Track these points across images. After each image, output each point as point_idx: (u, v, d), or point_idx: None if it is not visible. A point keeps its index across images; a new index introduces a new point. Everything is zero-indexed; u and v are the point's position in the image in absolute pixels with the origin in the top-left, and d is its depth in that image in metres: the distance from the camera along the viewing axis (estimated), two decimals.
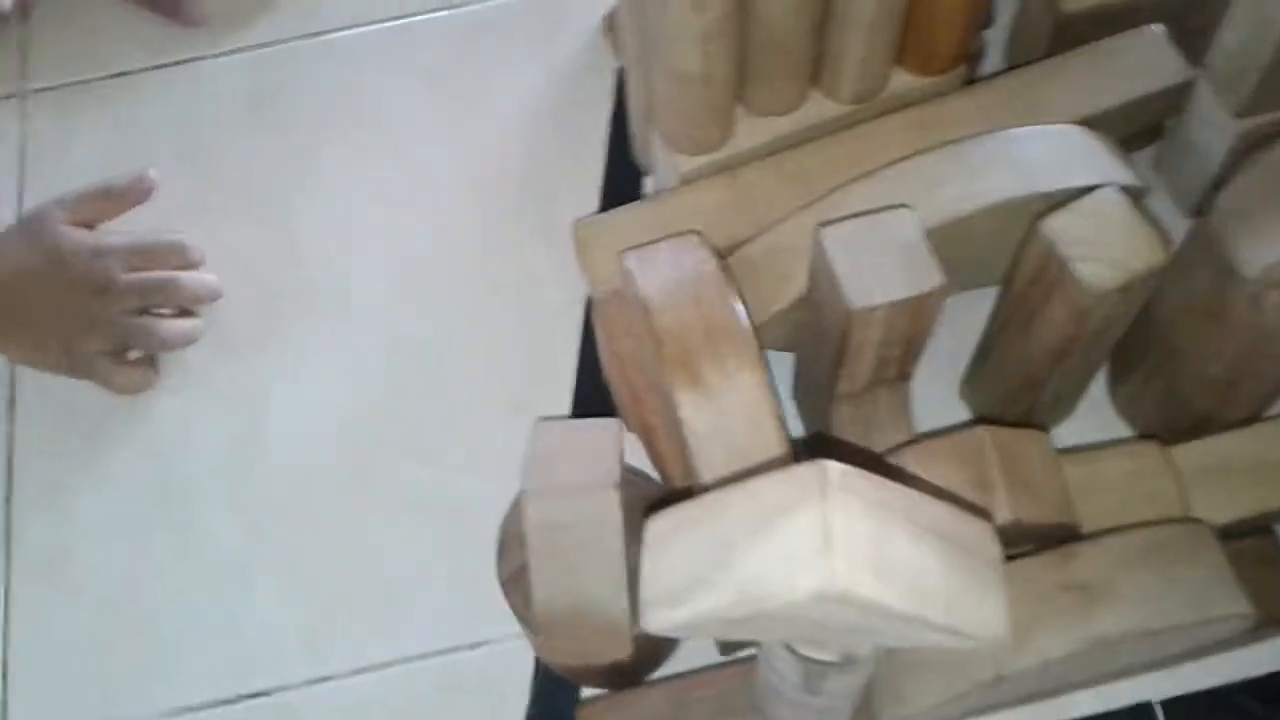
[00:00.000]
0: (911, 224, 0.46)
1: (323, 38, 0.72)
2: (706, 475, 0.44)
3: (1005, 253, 0.59)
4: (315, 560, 0.57)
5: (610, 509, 0.44)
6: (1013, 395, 0.53)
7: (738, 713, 0.48)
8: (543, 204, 0.66)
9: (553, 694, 0.53)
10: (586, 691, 0.52)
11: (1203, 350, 0.50)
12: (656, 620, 0.33)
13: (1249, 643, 0.53)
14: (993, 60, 0.67)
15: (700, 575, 0.32)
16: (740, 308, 0.46)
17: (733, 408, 0.44)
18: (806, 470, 0.32)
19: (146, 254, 0.61)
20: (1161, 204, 0.63)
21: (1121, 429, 0.58)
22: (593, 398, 0.60)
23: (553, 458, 0.46)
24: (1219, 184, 0.60)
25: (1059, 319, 0.47)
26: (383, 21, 0.72)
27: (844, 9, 0.53)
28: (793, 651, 0.36)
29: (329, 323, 0.63)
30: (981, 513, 0.42)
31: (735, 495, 0.33)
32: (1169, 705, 0.52)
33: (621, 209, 0.57)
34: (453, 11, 0.72)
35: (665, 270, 0.47)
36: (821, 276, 0.47)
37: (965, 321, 0.58)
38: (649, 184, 0.66)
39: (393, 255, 0.65)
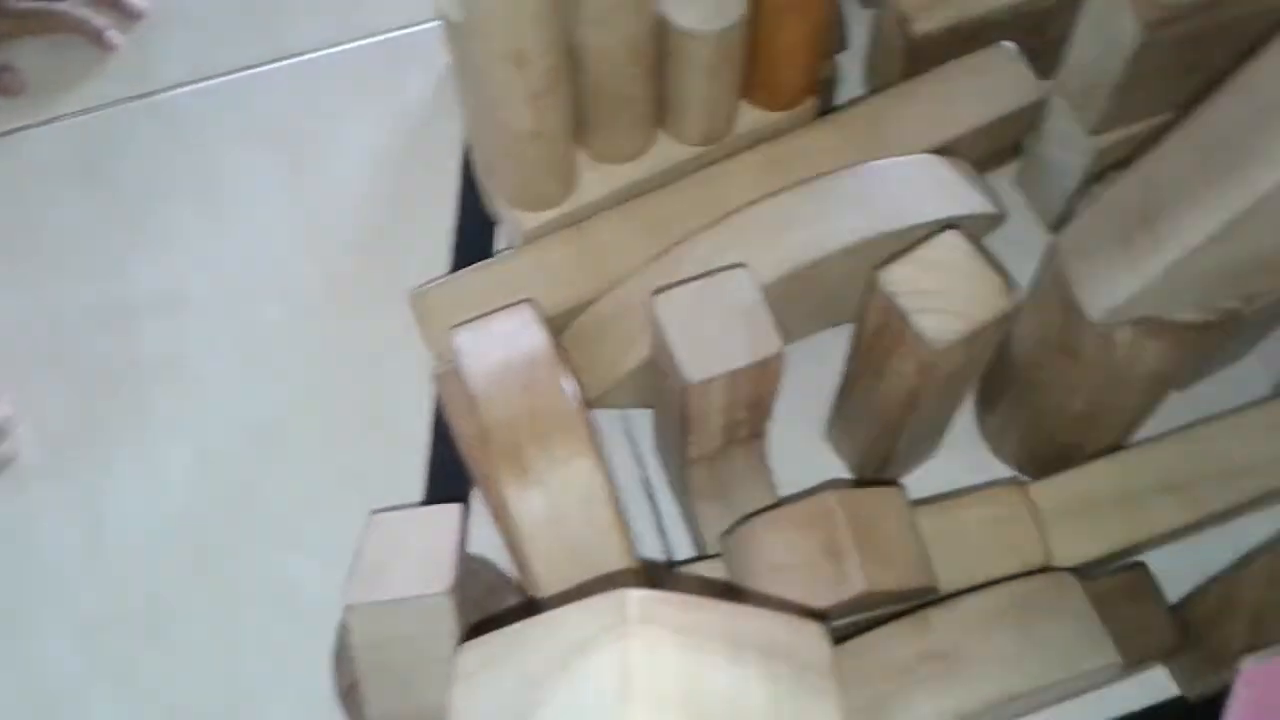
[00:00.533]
0: (747, 285, 0.44)
1: (154, 98, 0.68)
2: (540, 569, 0.41)
3: (860, 291, 0.57)
4: (158, 671, 0.54)
5: (443, 617, 0.41)
6: (871, 441, 0.52)
7: None
8: (391, 263, 0.63)
9: None
10: None
11: (1060, 385, 0.48)
12: None
13: (1126, 677, 0.51)
14: (852, 84, 0.65)
15: (506, 717, 0.30)
16: (571, 389, 0.43)
17: (563, 496, 0.41)
18: (606, 601, 0.29)
19: None
20: (1025, 221, 0.62)
21: (992, 460, 0.57)
22: (448, 471, 0.57)
23: (383, 561, 0.43)
24: (1077, 198, 0.59)
25: (906, 370, 0.45)
26: (216, 76, 0.69)
27: (679, 54, 0.51)
28: None
29: (168, 402, 0.60)
30: (815, 612, 0.40)
31: (539, 628, 0.31)
32: None
33: (461, 274, 0.54)
34: (291, 62, 0.69)
35: (494, 352, 0.45)
36: (660, 346, 0.45)
37: (832, 359, 0.56)
38: (501, 235, 0.63)
39: (234, 326, 0.62)
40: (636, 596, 0.29)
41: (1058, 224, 0.61)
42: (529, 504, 0.41)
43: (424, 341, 0.53)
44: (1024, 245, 0.59)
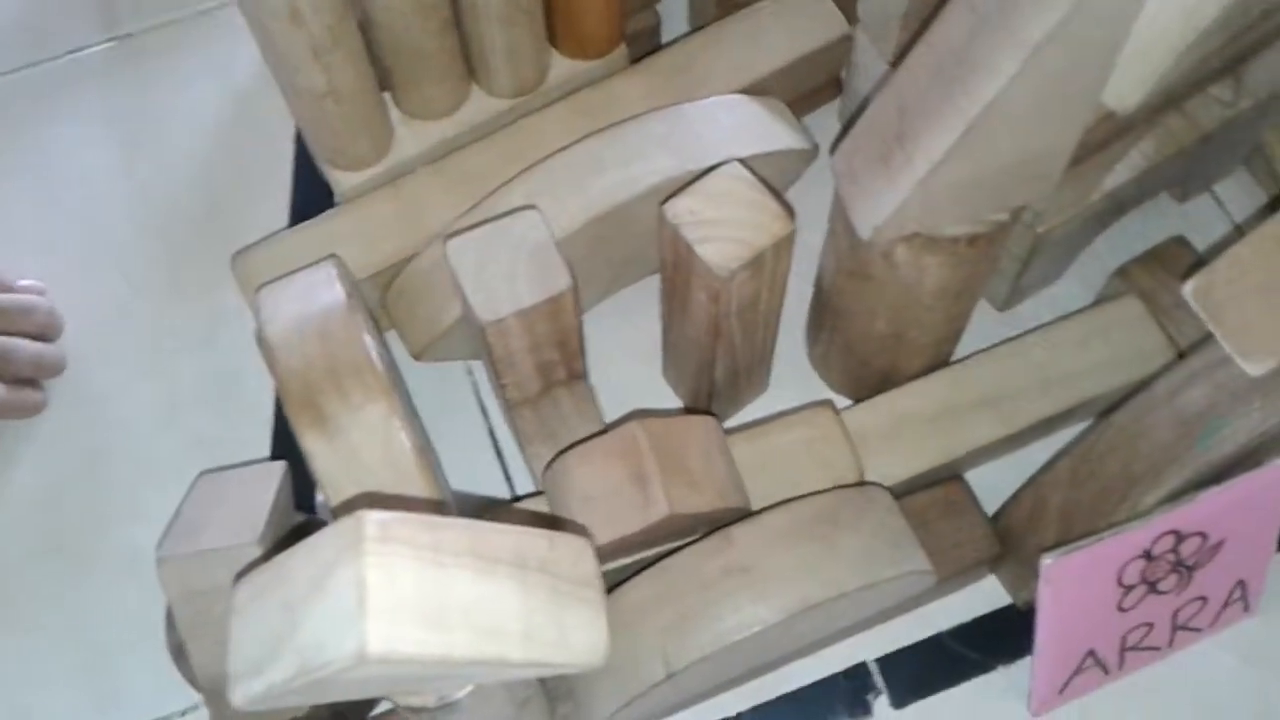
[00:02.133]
0: (536, 225, 0.45)
1: None
2: (340, 513, 0.42)
3: None
4: (9, 645, 0.54)
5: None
6: (695, 376, 0.53)
7: None
8: (230, 235, 0.62)
9: None
10: None
11: (862, 309, 0.50)
12: (241, 694, 0.31)
13: (956, 589, 0.53)
14: (676, 31, 0.66)
15: (270, 644, 0.31)
16: (368, 338, 0.44)
17: (362, 444, 0.42)
18: (346, 524, 0.30)
19: None
20: None
21: (825, 391, 0.58)
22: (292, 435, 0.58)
23: (200, 517, 0.44)
24: None
25: (701, 300, 0.46)
26: (42, 62, 0.68)
27: (471, 6, 0.51)
28: (394, 702, 0.35)
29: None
30: (585, 531, 0.41)
31: (300, 553, 0.31)
32: (884, 662, 0.53)
33: (281, 234, 0.55)
34: (118, 42, 0.68)
35: (292, 306, 0.45)
36: (457, 290, 0.46)
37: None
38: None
39: (71, 313, 0.61)
40: (374, 518, 0.30)
41: None
42: (329, 454, 0.42)
43: (248, 304, 0.54)
44: None
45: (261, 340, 0.52)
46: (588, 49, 0.57)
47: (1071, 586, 0.46)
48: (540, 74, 0.57)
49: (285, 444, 0.58)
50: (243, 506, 0.44)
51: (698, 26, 0.65)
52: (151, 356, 0.60)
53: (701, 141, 0.53)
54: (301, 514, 0.53)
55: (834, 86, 0.63)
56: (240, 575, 0.33)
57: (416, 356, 0.54)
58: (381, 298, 0.55)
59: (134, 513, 0.57)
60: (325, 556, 0.30)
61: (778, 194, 0.45)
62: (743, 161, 0.52)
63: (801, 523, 0.44)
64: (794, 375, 0.58)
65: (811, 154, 0.57)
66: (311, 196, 0.64)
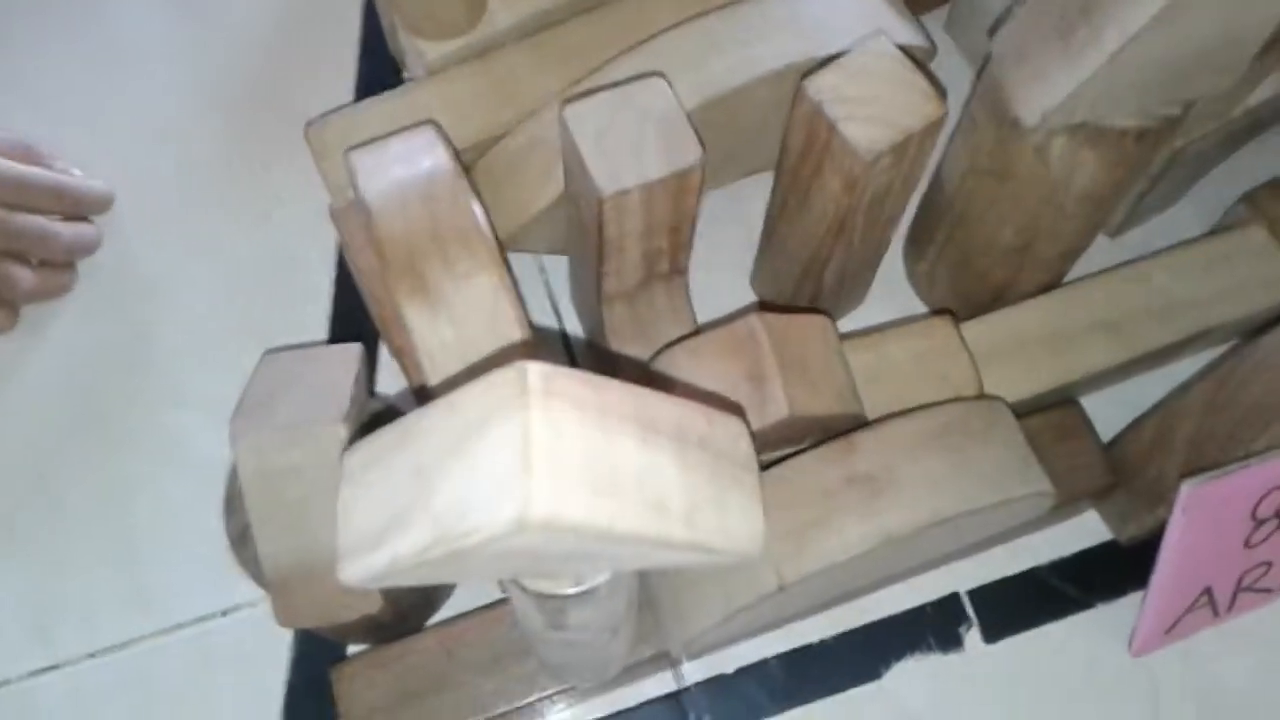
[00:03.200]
0: (663, 93, 0.41)
1: None
2: (441, 393, 0.39)
3: None
4: (41, 530, 0.50)
5: (337, 448, 0.38)
6: (798, 280, 0.49)
7: (512, 656, 0.43)
8: (290, 108, 0.58)
9: (314, 656, 0.47)
10: (353, 649, 0.47)
11: (992, 215, 0.46)
12: (355, 571, 0.28)
13: (1056, 521, 0.50)
14: None
15: (397, 513, 0.27)
16: (475, 205, 0.40)
17: (467, 315, 0.38)
18: (504, 375, 0.27)
19: (25, 189, 0.52)
20: (957, 67, 0.60)
21: (922, 309, 0.55)
22: (353, 320, 0.54)
23: (273, 394, 0.40)
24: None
25: (833, 189, 0.42)
26: None
27: None
28: (522, 587, 0.31)
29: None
30: (740, 409, 0.38)
31: (435, 413, 0.28)
32: (976, 595, 0.50)
33: (361, 104, 0.51)
34: None
35: (392, 169, 0.41)
36: (571, 162, 0.42)
37: (753, 207, 0.54)
38: (407, 77, 0.59)
39: (119, 178, 0.57)
40: (538, 369, 0.26)
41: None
42: (430, 324, 0.38)
43: (321, 176, 0.50)
44: (953, 90, 0.57)
45: (341, 218, 0.48)
46: None
47: (1206, 516, 0.43)
48: None
49: (344, 329, 0.54)
50: (320, 386, 0.41)
51: None
52: (203, 233, 0.56)
53: (825, 26, 0.49)
54: (378, 399, 0.49)
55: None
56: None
57: (504, 244, 0.50)
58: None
59: (177, 396, 0.53)
60: (472, 413, 0.27)
61: (929, 72, 0.41)
62: None
63: (928, 433, 0.41)
64: (888, 291, 0.55)
65: (929, 53, 0.53)
66: (378, 72, 0.59)
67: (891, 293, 0.55)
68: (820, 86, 0.41)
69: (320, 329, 0.54)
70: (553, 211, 0.49)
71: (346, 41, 0.60)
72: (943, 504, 0.39)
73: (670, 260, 0.46)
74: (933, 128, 0.41)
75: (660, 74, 0.42)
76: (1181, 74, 0.38)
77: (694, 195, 0.42)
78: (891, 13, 0.51)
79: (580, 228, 0.45)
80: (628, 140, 0.40)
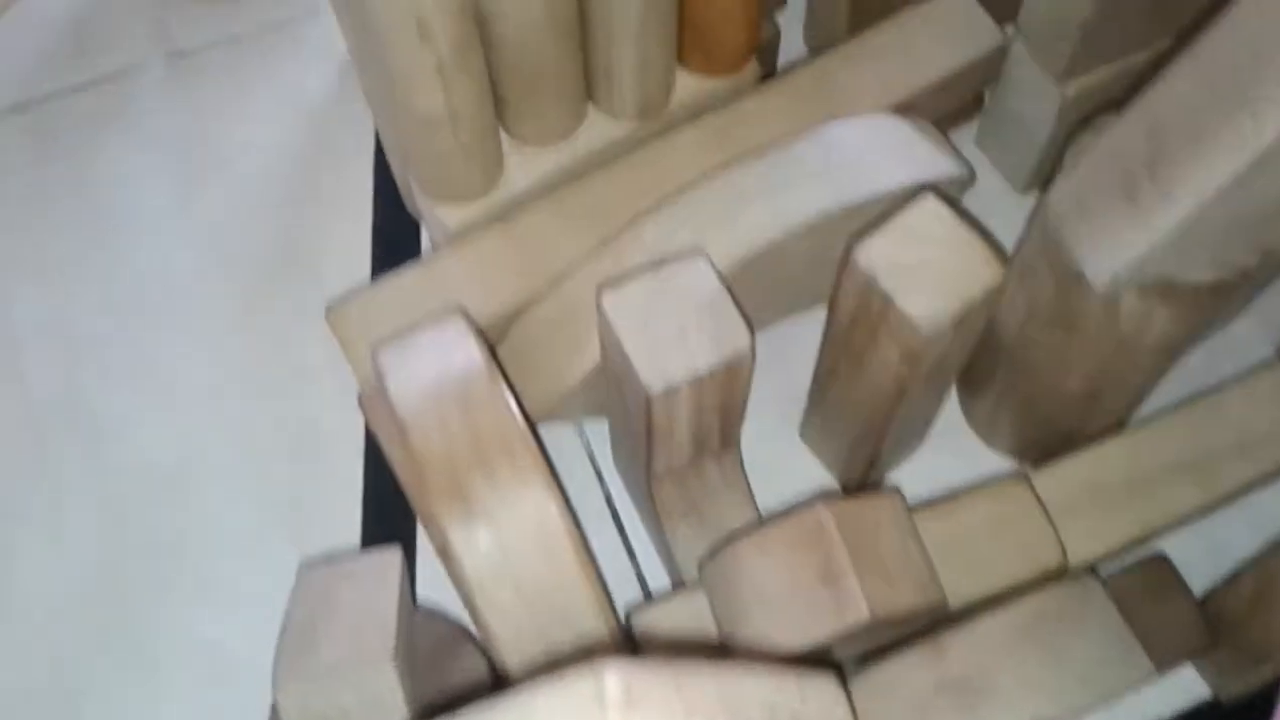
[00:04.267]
0: (707, 272, 0.39)
1: (22, 108, 0.61)
2: (494, 623, 0.36)
3: (829, 270, 0.52)
4: None
5: (388, 687, 0.35)
6: (854, 440, 0.47)
7: None
8: (306, 276, 0.56)
9: None
10: None
11: (1055, 364, 0.44)
12: None
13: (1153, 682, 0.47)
14: (791, 43, 0.60)
15: None
16: (513, 404, 0.38)
17: (515, 533, 0.36)
18: (581, 684, 0.24)
19: None
20: (991, 182, 0.57)
21: (981, 447, 0.52)
22: (388, 505, 0.51)
23: (315, 625, 0.37)
24: (1049, 156, 0.54)
25: (889, 359, 0.40)
26: (91, 84, 0.61)
27: (605, 16, 0.45)
28: None
29: (62, 449, 0.53)
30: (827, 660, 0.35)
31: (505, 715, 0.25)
32: None
33: (382, 282, 0.48)
34: (174, 60, 0.62)
35: (423, 372, 0.39)
36: (612, 351, 0.39)
37: (799, 349, 0.51)
38: (426, 233, 0.57)
39: (132, 357, 0.55)
40: (616, 676, 0.23)
41: (1029, 183, 0.56)
42: (475, 544, 0.36)
43: (348, 362, 0.47)
44: (992, 208, 0.54)
45: (370, 407, 0.45)
46: (717, 64, 0.51)
47: None
48: (665, 94, 0.51)
49: (378, 517, 0.51)
50: (363, 610, 0.38)
51: (818, 40, 0.59)
52: (225, 415, 0.54)
53: (856, 169, 0.47)
54: (422, 612, 0.46)
55: (971, 107, 0.57)
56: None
57: (537, 421, 0.48)
58: (494, 352, 0.48)
59: (207, 596, 0.50)
60: None
61: (985, 231, 0.39)
62: (905, 192, 0.47)
63: (1019, 628, 0.38)
64: (946, 429, 0.52)
65: (967, 182, 0.51)
66: (395, 232, 0.57)
67: (950, 431, 0.52)
68: (872, 256, 0.38)
69: (353, 517, 0.51)
70: (589, 383, 0.46)
71: (360, 198, 0.58)
72: (1044, 708, 0.36)
73: (721, 436, 0.43)
74: (994, 293, 0.38)
75: (700, 250, 0.40)
76: (1261, 225, 0.35)
77: (746, 379, 0.39)
78: (924, 143, 0.49)
79: (623, 409, 0.42)
80: (672, 329, 0.38)
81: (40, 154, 0.60)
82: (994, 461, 0.52)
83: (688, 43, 0.50)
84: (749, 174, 0.47)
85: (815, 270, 0.50)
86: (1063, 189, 0.38)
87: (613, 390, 0.43)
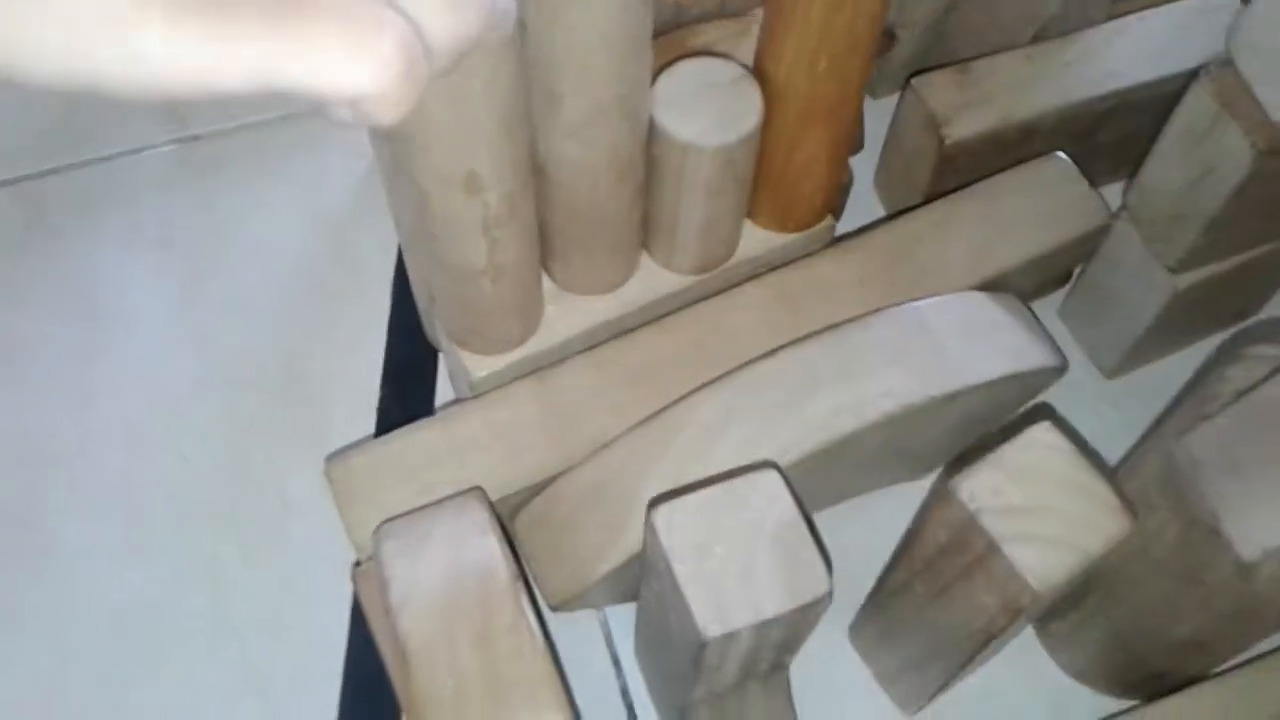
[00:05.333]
0: (780, 496, 0.33)
1: (13, 186, 0.55)
2: None
3: (899, 460, 0.47)
4: None
5: None
6: (920, 665, 0.41)
7: None
8: (307, 402, 0.51)
9: None
10: None
11: (1164, 609, 0.38)
12: None
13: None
14: (862, 188, 0.55)
15: None
16: (535, 626, 0.32)
17: None
18: None
19: None
20: (1075, 362, 0.52)
21: (1050, 665, 0.46)
22: (369, 683, 0.45)
23: None
24: (1148, 347, 0.49)
25: (985, 604, 0.34)
26: (91, 162, 0.56)
27: (676, 170, 0.40)
28: None
29: (17, 583, 0.47)
30: None
31: None
32: None
33: (393, 437, 0.42)
34: (184, 145, 0.57)
35: (434, 575, 0.33)
36: (661, 575, 0.33)
37: (846, 540, 0.46)
38: (444, 365, 0.51)
39: (107, 481, 0.49)
40: None
41: (1118, 370, 0.51)
42: None
43: (343, 523, 0.41)
44: (1074, 394, 0.49)
45: (364, 584, 0.39)
46: (791, 221, 0.46)
47: None
48: (730, 250, 0.45)
49: (358, 694, 0.45)
50: None
51: (893, 188, 0.54)
52: (200, 557, 0.48)
53: (942, 357, 0.41)
54: None
55: (1059, 280, 0.52)
56: None
57: (555, 607, 0.42)
58: (511, 522, 0.42)
59: None
60: None
61: (1108, 473, 0.33)
62: (993, 384, 0.41)
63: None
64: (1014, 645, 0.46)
65: (1059, 372, 0.45)
66: (410, 359, 0.52)
67: (1019, 648, 0.46)
68: (976, 491, 0.33)
69: (331, 687, 0.45)
70: (620, 574, 0.40)
71: (374, 315, 0.53)
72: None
73: (774, 664, 0.37)
74: (1118, 547, 0.32)
75: (773, 464, 0.34)
76: None
77: (816, 618, 0.33)
78: (1016, 325, 0.44)
79: (662, 626, 0.36)
80: (736, 562, 0.32)
81: (28, 233, 0.54)
82: (1063, 681, 0.46)
83: (760, 197, 0.44)
84: (822, 354, 0.41)
85: (884, 459, 0.45)
86: (1206, 435, 0.33)
87: (650, 595, 0.37)
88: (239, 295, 0.53)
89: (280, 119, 0.57)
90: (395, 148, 0.35)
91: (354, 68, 0.19)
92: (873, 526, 0.47)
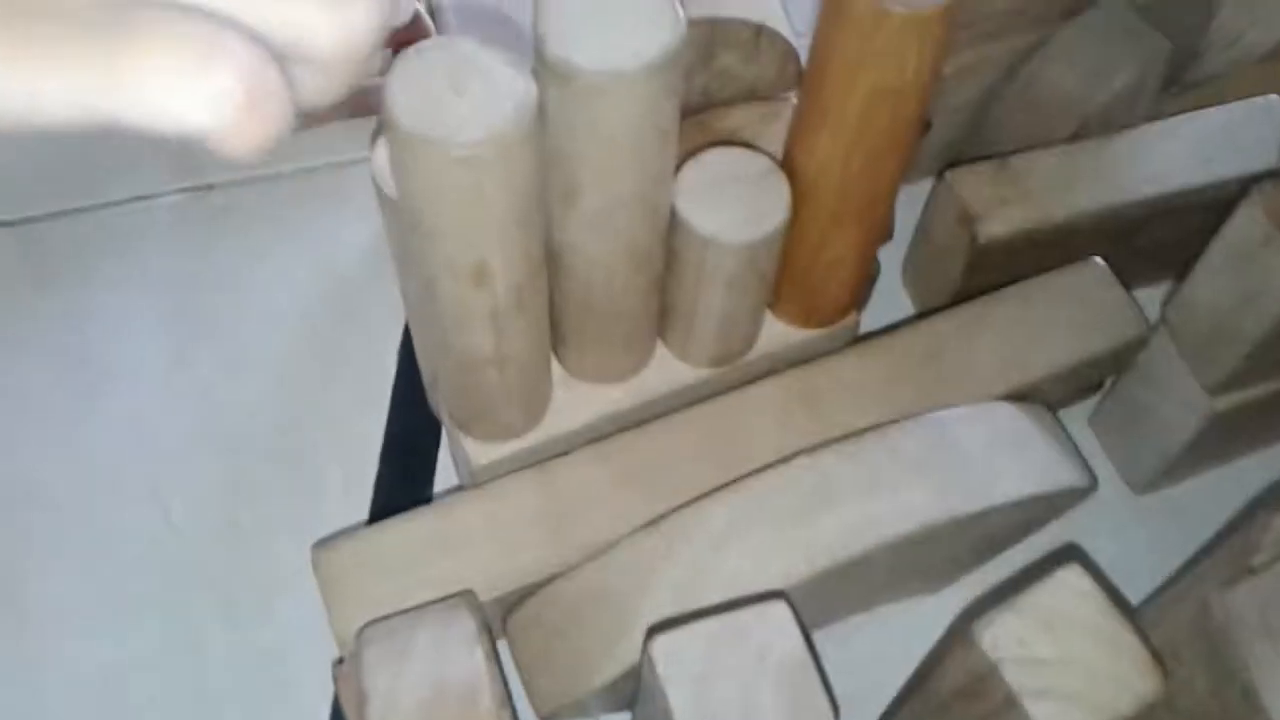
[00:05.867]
0: (787, 630, 0.31)
1: (16, 228, 0.54)
2: None
3: (914, 575, 0.44)
4: None
5: None
6: None
7: None
8: (300, 469, 0.49)
9: None
10: None
11: None
12: None
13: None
14: (888, 279, 0.53)
15: None
16: None
17: None
18: None
19: None
20: (1102, 470, 0.49)
21: None
22: None
23: None
24: (1182, 466, 0.47)
25: None
26: (95, 208, 0.55)
27: (696, 263, 0.38)
28: None
29: (7, 635, 0.45)
30: None
31: None
32: None
33: (385, 527, 0.40)
34: (194, 194, 0.55)
35: (416, 691, 0.31)
36: (657, 706, 0.31)
37: (855, 655, 0.44)
38: (446, 440, 0.50)
39: (91, 537, 0.47)
40: None
41: (1149, 486, 0.49)
42: None
43: (328, 613, 0.39)
44: (1101, 509, 0.47)
45: (345, 684, 0.37)
46: (814, 316, 0.44)
47: None
48: (749, 344, 0.43)
49: None
50: None
51: (920, 281, 0.52)
52: (180, 626, 0.46)
53: (966, 474, 0.39)
54: None
55: (1094, 387, 0.50)
56: None
57: (543, 716, 0.39)
58: (503, 622, 0.40)
59: None
60: None
61: (1136, 620, 0.31)
62: (1019, 503, 0.39)
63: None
64: None
65: (1089, 490, 0.43)
66: (413, 428, 0.50)
67: None
68: (1000, 639, 0.30)
69: None
70: (614, 685, 0.38)
71: (379, 383, 0.51)
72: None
73: None
74: (1149, 709, 0.30)
75: (783, 595, 0.32)
76: None
77: None
78: (1044, 439, 0.41)
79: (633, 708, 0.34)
80: (736, 696, 0.30)
81: (27, 276, 0.53)
82: None
83: (783, 293, 0.43)
84: (839, 465, 0.39)
85: (899, 575, 0.43)
86: (1246, 593, 0.30)
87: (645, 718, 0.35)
88: (239, 352, 0.51)
89: (296, 171, 0.56)
90: (400, 229, 0.34)
91: (183, 100, 0.17)
92: (883, 639, 0.45)
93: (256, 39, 0.18)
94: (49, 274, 0.53)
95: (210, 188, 0.55)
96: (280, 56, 0.19)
